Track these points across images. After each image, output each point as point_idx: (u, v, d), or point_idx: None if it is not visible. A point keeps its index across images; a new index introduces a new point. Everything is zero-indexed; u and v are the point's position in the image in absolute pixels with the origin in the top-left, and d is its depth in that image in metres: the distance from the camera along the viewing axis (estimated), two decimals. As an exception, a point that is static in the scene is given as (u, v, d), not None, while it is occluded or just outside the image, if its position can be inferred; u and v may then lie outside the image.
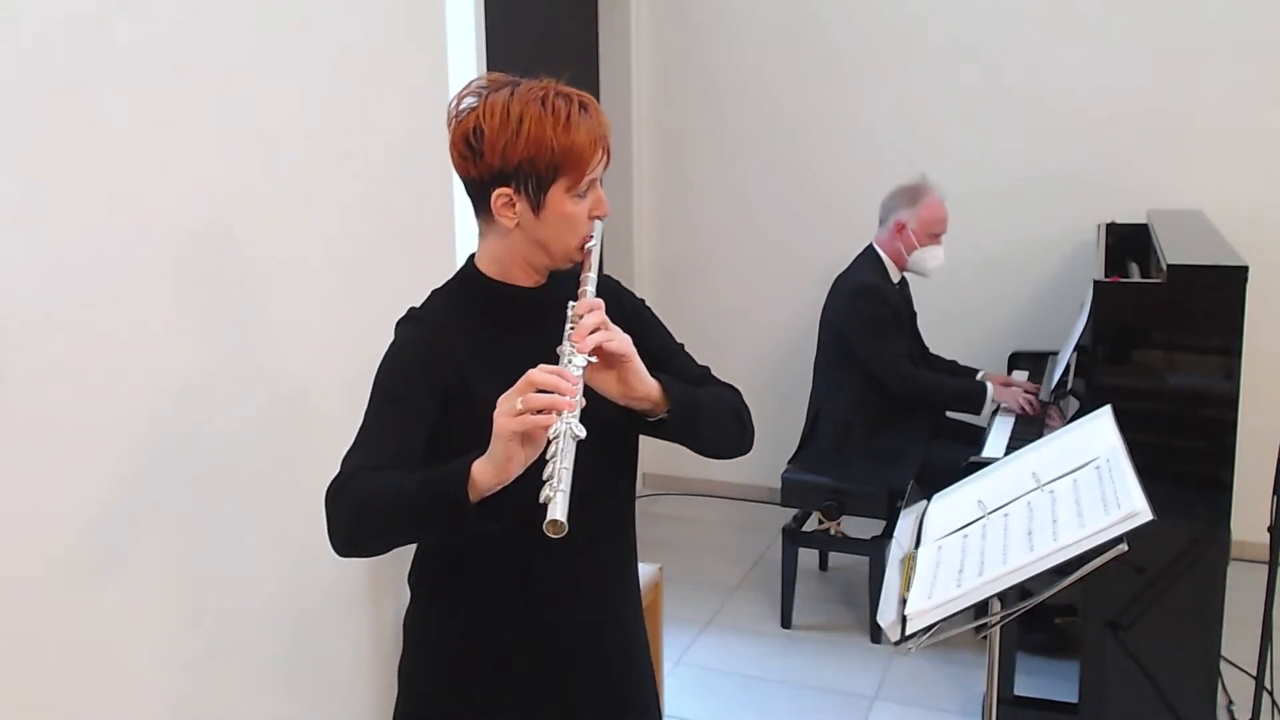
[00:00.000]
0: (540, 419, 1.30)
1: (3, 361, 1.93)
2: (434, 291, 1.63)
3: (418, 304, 1.64)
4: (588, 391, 1.46)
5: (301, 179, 2.53)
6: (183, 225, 2.25)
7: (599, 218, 1.55)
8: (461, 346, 1.53)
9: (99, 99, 2.06)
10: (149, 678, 2.25)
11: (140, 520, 2.21)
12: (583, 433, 1.31)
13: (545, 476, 1.29)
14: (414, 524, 1.43)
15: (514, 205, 1.50)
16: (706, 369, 1.74)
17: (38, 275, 1.98)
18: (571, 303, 1.48)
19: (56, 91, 1.99)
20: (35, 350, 1.98)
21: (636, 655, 1.74)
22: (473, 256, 1.62)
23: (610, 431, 1.59)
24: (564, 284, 1.58)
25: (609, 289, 1.69)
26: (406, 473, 1.44)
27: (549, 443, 1.31)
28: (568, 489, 1.27)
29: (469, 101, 1.51)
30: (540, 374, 1.33)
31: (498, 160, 1.47)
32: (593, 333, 1.42)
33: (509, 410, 1.31)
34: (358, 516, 1.44)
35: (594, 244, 1.55)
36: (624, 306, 1.68)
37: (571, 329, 1.44)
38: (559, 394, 1.31)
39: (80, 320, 2.06)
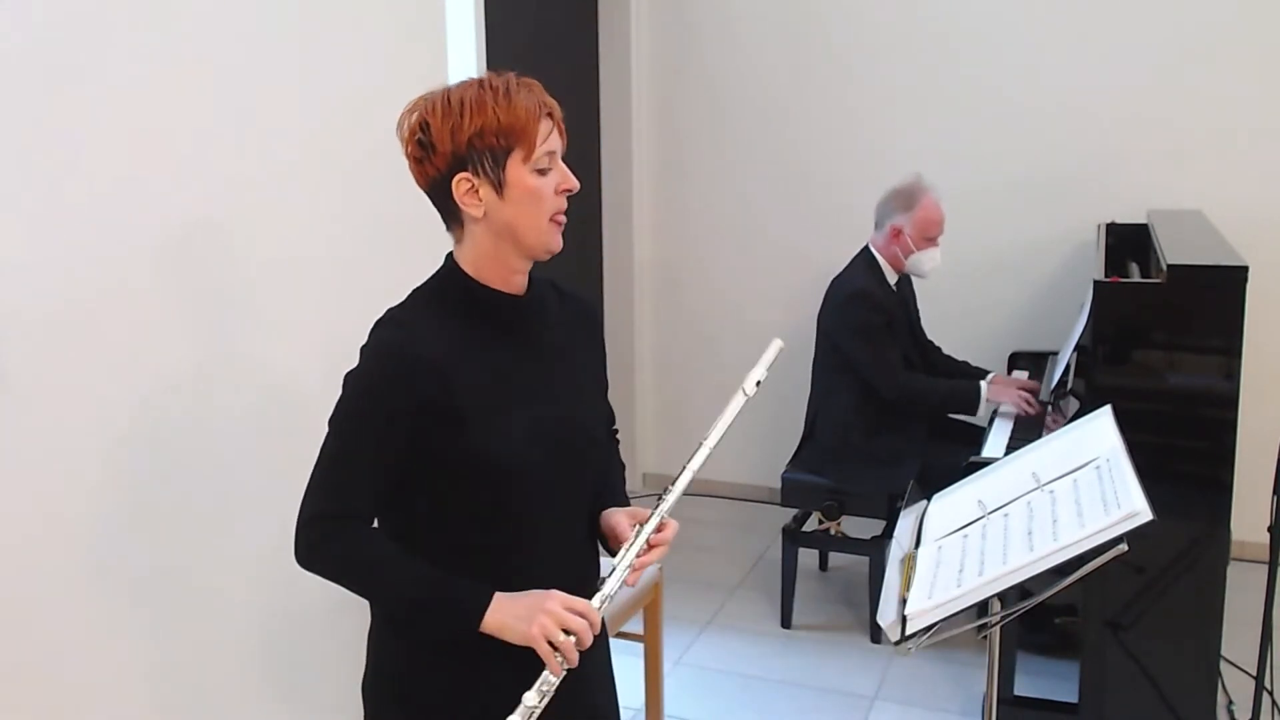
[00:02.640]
0: (564, 643, 1.45)
1: (3, 358, 1.93)
2: (415, 291, 1.60)
3: (395, 305, 1.60)
4: (578, 402, 1.62)
5: (301, 178, 2.54)
6: (181, 224, 2.25)
7: (567, 191, 1.54)
8: (443, 352, 1.50)
9: (97, 97, 2.07)
10: (142, 676, 2.26)
11: (133, 519, 2.21)
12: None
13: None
14: (411, 614, 1.51)
15: (477, 191, 1.50)
16: (611, 411, 1.81)
17: (36, 273, 1.98)
18: (646, 524, 1.55)
19: (55, 89, 1.99)
20: (32, 348, 1.98)
21: (605, 666, 1.75)
22: (452, 254, 1.60)
23: (594, 448, 1.66)
24: (545, 293, 1.62)
25: (591, 313, 1.74)
26: (414, 558, 1.48)
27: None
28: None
29: (413, 117, 1.53)
30: (577, 623, 1.46)
31: (449, 145, 1.48)
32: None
33: (542, 631, 1.44)
34: (349, 579, 1.51)
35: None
36: (596, 335, 1.74)
37: (644, 546, 1.55)
38: (581, 630, 1.46)
39: (78, 319, 2.06)
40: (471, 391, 1.49)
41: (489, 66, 3.44)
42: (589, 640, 1.47)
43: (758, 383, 1.62)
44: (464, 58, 3.33)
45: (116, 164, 2.11)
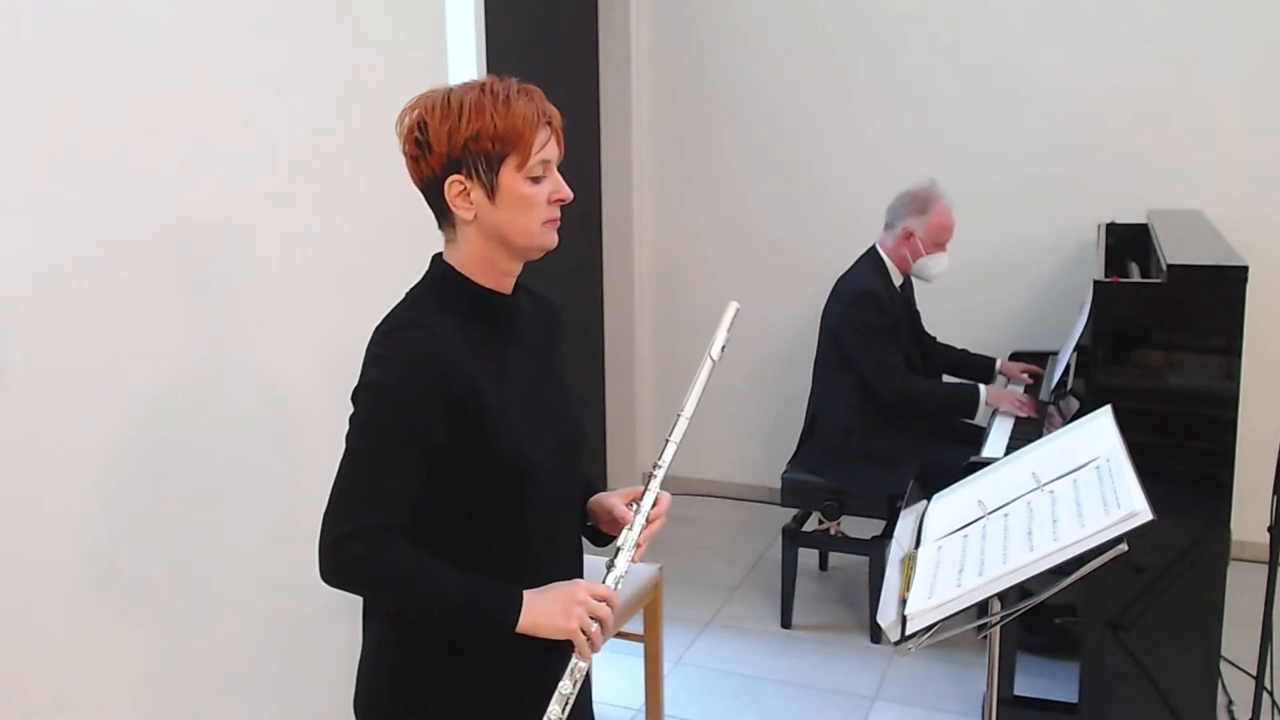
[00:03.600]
0: (595, 632, 1.52)
1: (2, 356, 1.93)
2: (413, 293, 1.59)
3: (399, 308, 1.58)
4: (569, 398, 1.65)
5: (301, 178, 2.54)
6: (180, 223, 2.25)
7: (560, 201, 1.54)
8: (463, 351, 1.49)
9: (97, 97, 2.07)
10: (141, 676, 2.26)
11: (131, 519, 2.21)
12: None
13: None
14: (447, 623, 1.50)
15: (469, 194, 1.50)
16: None
17: (35, 272, 1.98)
18: (642, 501, 1.60)
19: (55, 89, 1.99)
20: (31, 347, 1.98)
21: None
22: (440, 255, 1.60)
23: (586, 441, 1.69)
24: (520, 293, 1.62)
25: (559, 312, 1.74)
26: (446, 565, 1.49)
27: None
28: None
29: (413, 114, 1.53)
30: (603, 609, 1.52)
31: (444, 146, 1.49)
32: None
33: (579, 623, 1.49)
34: (389, 592, 1.51)
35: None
36: (563, 332, 1.75)
37: (643, 524, 1.60)
38: (605, 616, 1.53)
39: (77, 318, 2.06)
40: (492, 393, 1.50)
41: (489, 66, 3.44)
42: (611, 625, 1.53)
43: (722, 347, 1.65)
44: (464, 58, 3.33)
45: (116, 163, 2.11)
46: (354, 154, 2.65)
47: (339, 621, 2.63)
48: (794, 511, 3.85)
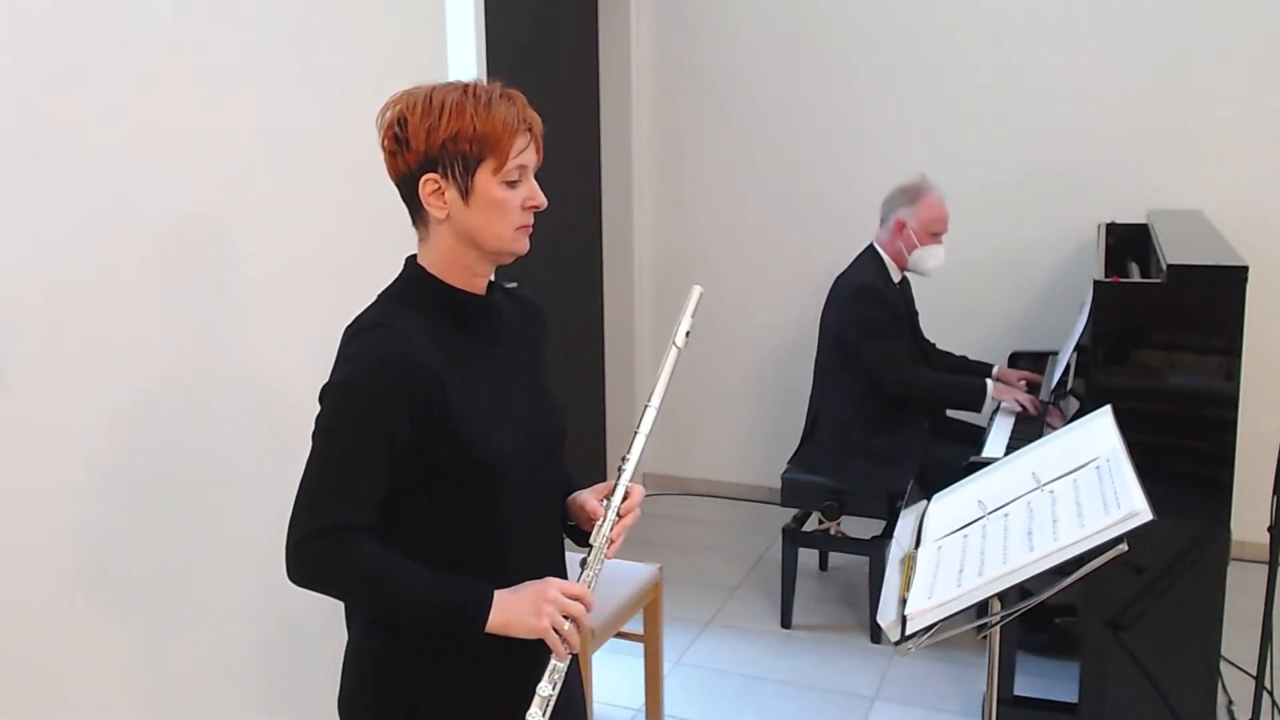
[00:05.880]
0: (569, 631, 1.50)
1: (4, 357, 1.93)
2: (385, 294, 1.59)
3: (368, 309, 1.58)
4: (547, 398, 1.65)
5: (299, 177, 2.54)
6: (179, 222, 2.25)
7: (534, 208, 1.54)
8: (432, 354, 1.49)
9: (97, 96, 2.07)
10: (138, 678, 2.26)
11: (128, 520, 2.21)
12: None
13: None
14: (415, 621, 1.50)
15: (443, 194, 1.51)
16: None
17: (33, 272, 1.98)
18: (612, 496, 1.58)
19: (54, 88, 1.99)
20: (29, 347, 1.98)
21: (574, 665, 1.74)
22: (414, 257, 1.60)
23: (564, 441, 1.68)
24: (497, 294, 1.62)
25: (540, 313, 1.74)
26: (415, 564, 1.48)
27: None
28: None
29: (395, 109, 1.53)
30: (576, 607, 1.51)
31: (422, 144, 1.49)
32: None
33: (551, 621, 1.48)
34: (357, 592, 1.52)
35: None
36: (545, 333, 1.75)
37: (615, 519, 1.58)
38: (580, 615, 1.52)
39: (74, 317, 2.06)
40: (461, 393, 1.50)
41: (489, 66, 3.44)
42: (587, 623, 1.52)
43: (687, 333, 1.65)
44: (464, 58, 3.33)
45: (115, 163, 2.11)
46: (354, 154, 2.65)
47: (334, 621, 2.63)
48: (794, 511, 3.85)
